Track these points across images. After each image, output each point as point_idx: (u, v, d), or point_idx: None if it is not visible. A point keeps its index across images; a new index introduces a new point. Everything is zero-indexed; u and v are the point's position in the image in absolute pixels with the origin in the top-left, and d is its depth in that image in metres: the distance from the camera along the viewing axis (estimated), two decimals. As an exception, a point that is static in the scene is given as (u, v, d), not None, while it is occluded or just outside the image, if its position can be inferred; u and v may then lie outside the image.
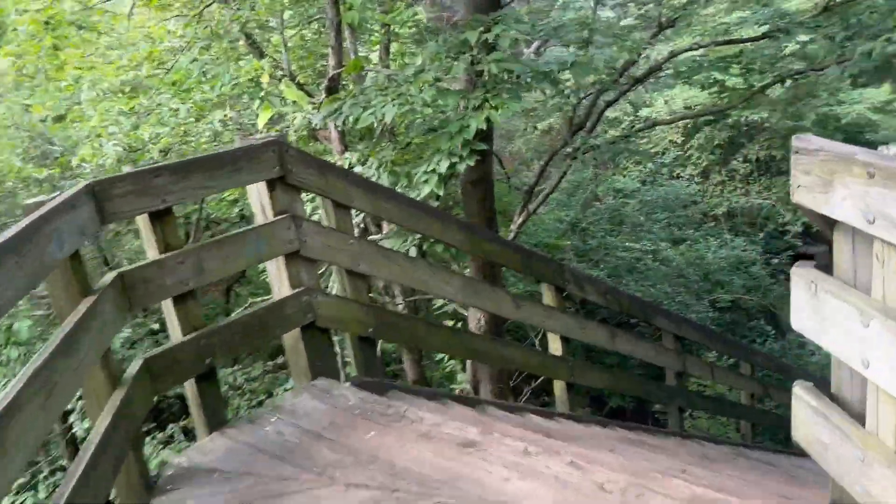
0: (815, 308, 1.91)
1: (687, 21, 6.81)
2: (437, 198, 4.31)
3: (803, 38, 5.97)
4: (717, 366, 6.95)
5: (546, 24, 5.84)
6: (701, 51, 7.02)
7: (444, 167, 4.13)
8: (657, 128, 13.01)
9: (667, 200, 12.19)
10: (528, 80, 4.58)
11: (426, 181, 4.20)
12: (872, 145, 1.76)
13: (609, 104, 7.04)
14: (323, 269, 5.22)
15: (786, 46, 6.47)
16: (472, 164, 4.20)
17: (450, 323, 5.63)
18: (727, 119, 12.29)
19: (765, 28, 6.14)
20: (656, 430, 5.82)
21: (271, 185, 3.24)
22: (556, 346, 5.05)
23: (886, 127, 13.32)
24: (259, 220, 3.34)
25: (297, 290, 3.30)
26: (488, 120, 4.04)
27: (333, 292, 4.53)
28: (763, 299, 9.94)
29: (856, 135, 14.26)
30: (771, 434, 8.78)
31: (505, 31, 4.12)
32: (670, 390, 6.16)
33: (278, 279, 3.41)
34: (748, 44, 6.53)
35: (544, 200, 7.35)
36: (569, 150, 6.84)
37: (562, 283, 4.97)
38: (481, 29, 4.34)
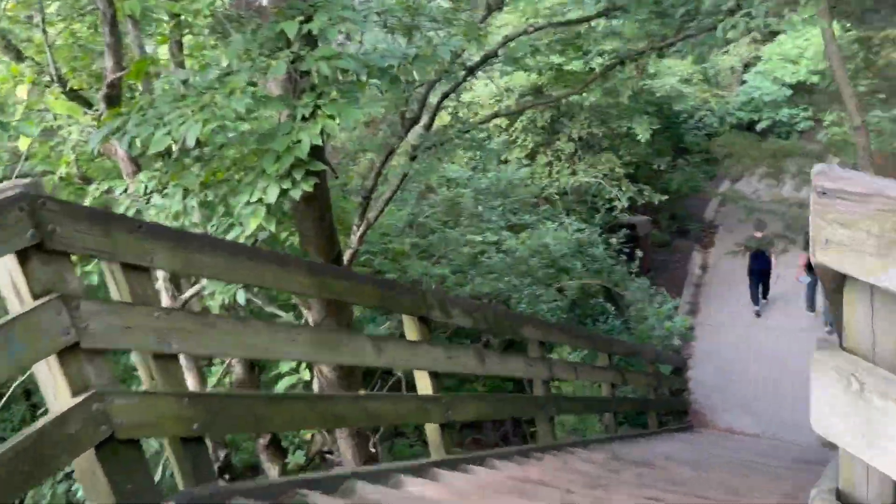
0: (857, 411, 1.35)
1: (516, 3, 6.33)
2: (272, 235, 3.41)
3: (641, 17, 5.76)
4: (579, 364, 6.66)
5: (366, 7, 5.08)
6: (536, 34, 6.64)
7: (272, 195, 3.25)
8: (483, 111, 12.69)
9: (499, 186, 11.96)
10: (363, 78, 3.78)
11: (252, 213, 3.29)
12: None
13: (445, 95, 6.47)
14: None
15: (622, 24, 6.24)
16: (309, 188, 3.36)
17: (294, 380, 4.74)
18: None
19: (601, 6, 5.85)
20: (529, 450, 5.35)
21: (24, 256, 2.24)
22: (424, 384, 4.37)
23: (692, 98, 14.03)
24: (12, 307, 2.31)
25: (82, 398, 2.34)
26: (324, 132, 3.21)
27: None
28: (608, 281, 9.97)
29: (663, 106, 14.97)
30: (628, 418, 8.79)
31: (332, 20, 3.30)
32: (540, 401, 5.71)
33: (52, 386, 2.41)
34: (585, 24, 6.24)
35: (385, 207, 6.61)
36: (406, 147, 6.14)
37: (425, 311, 4.28)
38: (300, 18, 3.48)
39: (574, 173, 13.53)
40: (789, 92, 16.91)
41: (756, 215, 12.14)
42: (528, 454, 5.03)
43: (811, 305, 13.11)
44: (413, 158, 6.05)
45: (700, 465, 5.84)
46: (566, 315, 9.50)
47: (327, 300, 4.36)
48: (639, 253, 11.15)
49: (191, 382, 4.70)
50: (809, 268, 11.49)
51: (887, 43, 9.58)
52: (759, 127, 17.52)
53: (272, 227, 3.34)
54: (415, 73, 4.11)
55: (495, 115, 10.11)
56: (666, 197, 13.11)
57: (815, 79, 15.85)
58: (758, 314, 13.78)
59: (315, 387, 5.06)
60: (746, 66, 18.82)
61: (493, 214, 11.12)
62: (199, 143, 4.74)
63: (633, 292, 10.26)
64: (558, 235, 9.91)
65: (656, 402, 9.02)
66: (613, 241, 10.43)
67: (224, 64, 3.65)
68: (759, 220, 12.39)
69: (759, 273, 13.12)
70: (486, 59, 6.60)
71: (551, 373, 5.85)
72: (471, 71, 6.69)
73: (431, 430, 4.43)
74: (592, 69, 6.34)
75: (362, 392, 4.88)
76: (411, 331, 4.24)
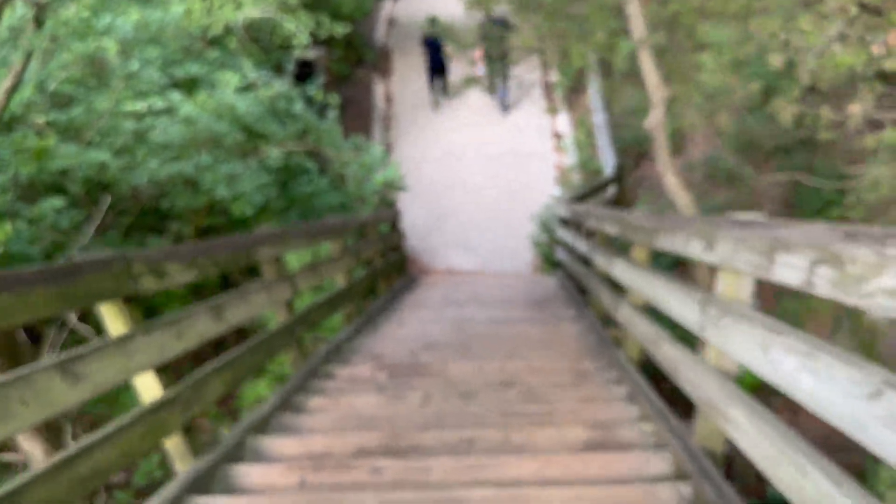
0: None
1: None
2: None
3: None
4: (319, 263, 5.44)
5: None
6: None
7: None
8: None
9: (149, 31, 9.39)
10: None
11: None
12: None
13: None
14: None
15: None
16: None
17: None
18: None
19: None
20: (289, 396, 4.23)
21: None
22: (149, 387, 2.90)
23: None
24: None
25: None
26: None
27: None
28: (317, 143, 8.55)
29: None
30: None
31: None
32: (290, 328, 4.49)
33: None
34: None
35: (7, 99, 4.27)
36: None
37: (132, 287, 2.69)
38: None
39: (239, 6, 11.29)
40: None
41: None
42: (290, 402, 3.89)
43: (493, 89, 15.22)
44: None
45: (470, 349, 5.25)
46: (277, 194, 8.00)
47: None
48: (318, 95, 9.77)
49: None
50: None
51: None
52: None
53: None
54: None
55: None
56: (350, 29, 11.70)
57: None
58: (436, 104, 15.96)
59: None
60: None
61: (152, 70, 8.74)
62: None
63: (343, 151, 9.06)
64: (247, 97, 8.06)
65: (384, 268, 8.30)
66: (312, 90, 8.87)
67: None
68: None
69: (436, 70, 15.11)
70: None
71: (295, 289, 4.59)
72: None
73: (174, 446, 3.00)
74: None
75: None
76: (116, 321, 2.64)
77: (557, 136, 15.23)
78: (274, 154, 7.62)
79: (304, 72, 15.23)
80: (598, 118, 13.45)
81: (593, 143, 13.89)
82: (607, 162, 12.10)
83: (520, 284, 9.38)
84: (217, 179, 7.06)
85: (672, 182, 4.58)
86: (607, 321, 6.77)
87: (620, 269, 4.32)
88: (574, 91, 16.43)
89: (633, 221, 3.92)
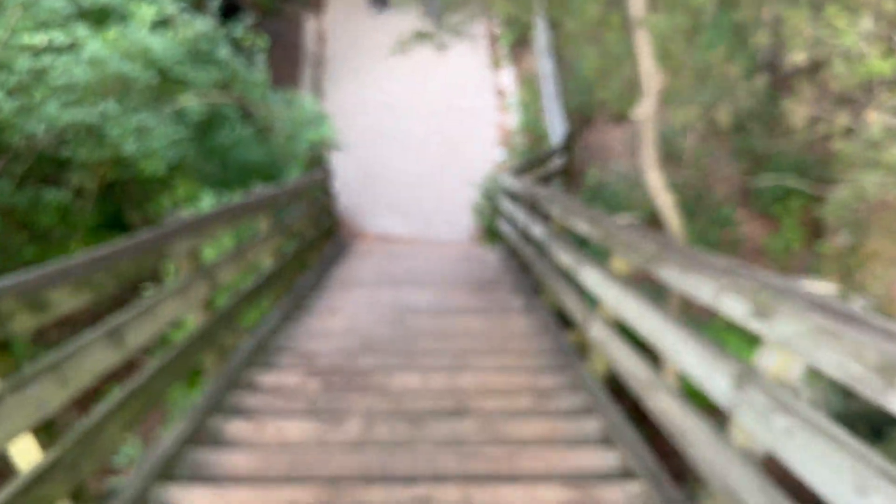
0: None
1: None
2: None
3: None
4: (244, 246, 4.71)
5: None
6: None
7: None
8: None
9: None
10: None
11: None
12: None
13: None
14: None
15: None
16: None
17: None
18: None
19: None
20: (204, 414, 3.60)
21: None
22: (28, 455, 2.25)
23: None
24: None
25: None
26: None
27: None
28: (244, 94, 7.59)
29: None
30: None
31: None
32: (208, 335, 3.81)
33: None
34: None
35: None
36: None
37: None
38: None
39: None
40: None
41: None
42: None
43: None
44: None
45: (413, 352, 4.68)
46: (195, 149, 7.07)
47: None
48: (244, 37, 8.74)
49: None
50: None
51: None
52: None
53: None
54: None
55: None
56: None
57: None
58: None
59: None
60: None
61: (54, -3, 7.56)
62: None
63: (271, 104, 8.13)
64: (164, 36, 7.00)
65: (316, 237, 7.58)
66: (238, 31, 7.79)
67: None
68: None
69: None
70: None
71: (214, 283, 3.88)
72: None
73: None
74: None
75: None
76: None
77: (501, 93, 14.58)
78: (192, 104, 6.68)
79: (229, 5, 13.94)
80: (546, 79, 12.84)
81: (539, 104, 13.31)
82: (555, 128, 11.56)
83: (460, 258, 8.83)
84: (125, 132, 6.12)
85: (654, 180, 4.08)
86: (560, 316, 6.32)
87: (595, 281, 3.80)
88: (520, 46, 15.75)
89: (620, 234, 3.35)
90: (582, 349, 4.40)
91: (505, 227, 9.13)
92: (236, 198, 6.07)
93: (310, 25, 16.36)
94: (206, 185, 8.35)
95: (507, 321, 5.50)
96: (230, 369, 3.96)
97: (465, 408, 3.62)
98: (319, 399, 3.67)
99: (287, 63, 14.95)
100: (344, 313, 5.74)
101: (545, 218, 5.95)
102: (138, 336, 2.79)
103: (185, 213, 4.08)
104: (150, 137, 6.32)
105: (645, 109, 3.98)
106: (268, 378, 4.01)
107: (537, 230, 6.13)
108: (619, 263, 3.55)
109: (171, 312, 3.18)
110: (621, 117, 12.30)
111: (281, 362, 4.33)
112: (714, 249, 7.45)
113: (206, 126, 8.22)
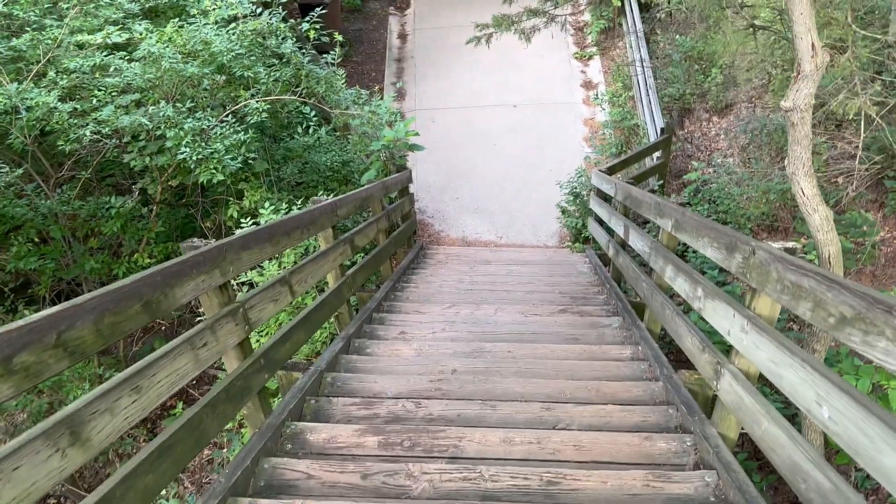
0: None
1: None
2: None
3: None
4: (297, 268, 4.06)
5: None
6: None
7: None
8: None
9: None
10: None
11: None
12: None
13: None
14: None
15: None
16: None
17: None
18: None
19: None
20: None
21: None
22: None
23: None
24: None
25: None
26: None
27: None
28: (314, 92, 6.96)
29: None
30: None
31: None
32: (238, 383, 3.16)
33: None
34: None
35: None
36: None
37: None
38: None
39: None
40: None
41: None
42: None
43: None
44: None
45: (493, 395, 3.92)
46: (257, 151, 6.52)
47: None
48: (337, 36, 8.17)
49: None
50: None
51: None
52: None
53: None
54: None
55: None
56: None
57: None
58: None
59: None
60: None
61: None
62: None
63: (344, 101, 7.52)
64: (227, 31, 6.47)
65: (389, 246, 6.92)
66: (306, 26, 7.16)
67: None
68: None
69: None
70: None
71: (248, 324, 3.22)
72: None
73: None
74: None
75: None
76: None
77: (588, 85, 13.57)
78: (256, 104, 6.11)
79: (311, 2, 13.50)
80: (638, 67, 11.75)
81: (629, 96, 12.24)
82: (650, 120, 10.51)
83: (546, 266, 7.99)
84: (180, 136, 5.61)
85: (809, 190, 3.14)
86: (664, 338, 5.41)
87: (732, 324, 2.91)
88: (607, 35, 14.67)
89: (785, 273, 2.42)
90: (704, 401, 3.52)
91: (595, 231, 8.23)
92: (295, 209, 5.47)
93: (393, 22, 15.84)
94: (281, 190, 7.85)
95: (604, 353, 4.65)
96: (271, 421, 3.31)
97: (557, 491, 2.82)
98: (373, 471, 2.95)
99: (371, 61, 14.45)
100: (416, 339, 5.04)
101: (644, 224, 5.04)
102: (106, 435, 2.10)
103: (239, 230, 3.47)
104: (211, 140, 5.80)
105: (798, 97, 3.06)
106: (316, 434, 3.33)
107: (638, 242, 5.24)
108: (768, 307, 2.67)
109: (174, 377, 2.50)
110: (725, 107, 11.10)
111: (334, 409, 3.65)
112: (848, 260, 6.31)
113: (280, 128, 7.70)
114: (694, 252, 6.73)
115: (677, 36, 12.21)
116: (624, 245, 6.40)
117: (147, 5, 7.61)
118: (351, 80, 12.93)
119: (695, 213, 3.81)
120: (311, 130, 8.12)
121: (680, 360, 4.80)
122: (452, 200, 10.78)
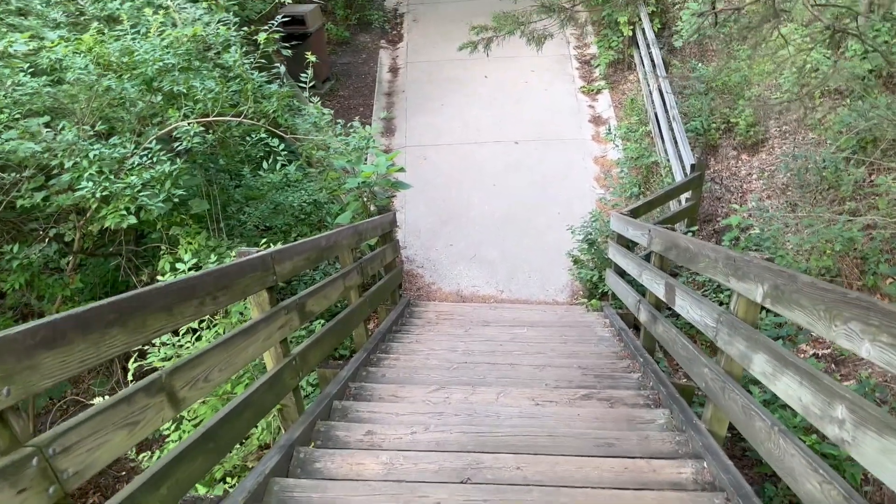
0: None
1: None
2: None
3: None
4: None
5: None
6: None
7: None
8: None
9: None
10: None
11: None
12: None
13: None
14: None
15: None
16: None
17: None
18: None
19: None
20: None
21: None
22: None
23: None
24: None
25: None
26: None
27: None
28: (260, 113, 5.62)
29: None
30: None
31: None
32: (278, 385, 1.66)
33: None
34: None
35: None
36: None
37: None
38: None
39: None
40: None
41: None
42: None
43: None
44: None
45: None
46: (196, 188, 5.15)
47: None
48: (311, 56, 6.93)
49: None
50: None
51: None
52: None
53: None
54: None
55: None
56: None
57: None
58: None
59: None
60: None
61: None
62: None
63: (303, 123, 6.19)
64: (161, 37, 5.16)
65: (362, 304, 5.50)
66: (261, 37, 5.79)
67: None
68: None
69: None
70: None
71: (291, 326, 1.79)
72: None
73: None
74: None
75: None
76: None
77: (598, 120, 12.32)
78: (186, 128, 4.76)
79: (293, 31, 12.36)
80: (659, 98, 10.49)
81: (647, 131, 10.96)
82: (673, 156, 9.19)
83: (557, 329, 6.56)
84: (82, 168, 4.25)
85: None
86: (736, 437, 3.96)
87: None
88: (616, 66, 13.50)
89: None
90: None
91: (616, 286, 6.82)
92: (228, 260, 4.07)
93: (384, 56, 14.73)
94: (242, 236, 6.49)
95: (655, 472, 3.19)
96: None
97: None
98: None
99: (359, 95, 13.34)
100: (387, 444, 3.59)
101: (698, 286, 3.63)
102: None
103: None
104: (120, 174, 4.42)
105: None
106: None
107: (693, 311, 3.82)
108: None
109: None
110: (756, 143, 9.80)
111: None
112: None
113: (237, 162, 6.35)
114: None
115: (698, 64, 10.99)
116: (659, 307, 5.00)
117: (82, 18, 6.35)
118: (337, 115, 11.70)
119: (811, 278, 2.40)
120: (278, 166, 6.79)
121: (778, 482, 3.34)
122: (446, 247, 9.38)
